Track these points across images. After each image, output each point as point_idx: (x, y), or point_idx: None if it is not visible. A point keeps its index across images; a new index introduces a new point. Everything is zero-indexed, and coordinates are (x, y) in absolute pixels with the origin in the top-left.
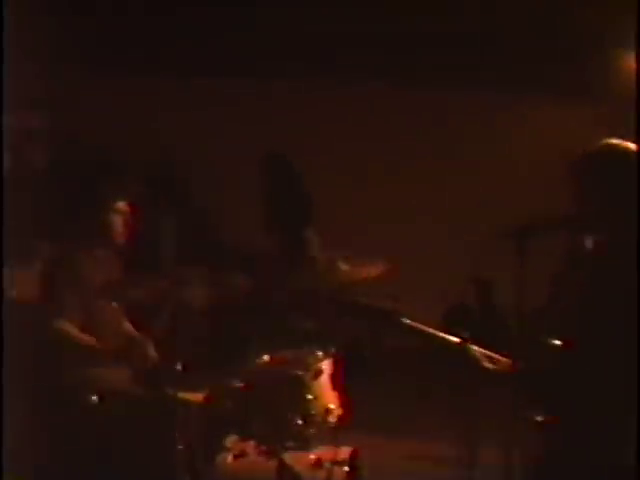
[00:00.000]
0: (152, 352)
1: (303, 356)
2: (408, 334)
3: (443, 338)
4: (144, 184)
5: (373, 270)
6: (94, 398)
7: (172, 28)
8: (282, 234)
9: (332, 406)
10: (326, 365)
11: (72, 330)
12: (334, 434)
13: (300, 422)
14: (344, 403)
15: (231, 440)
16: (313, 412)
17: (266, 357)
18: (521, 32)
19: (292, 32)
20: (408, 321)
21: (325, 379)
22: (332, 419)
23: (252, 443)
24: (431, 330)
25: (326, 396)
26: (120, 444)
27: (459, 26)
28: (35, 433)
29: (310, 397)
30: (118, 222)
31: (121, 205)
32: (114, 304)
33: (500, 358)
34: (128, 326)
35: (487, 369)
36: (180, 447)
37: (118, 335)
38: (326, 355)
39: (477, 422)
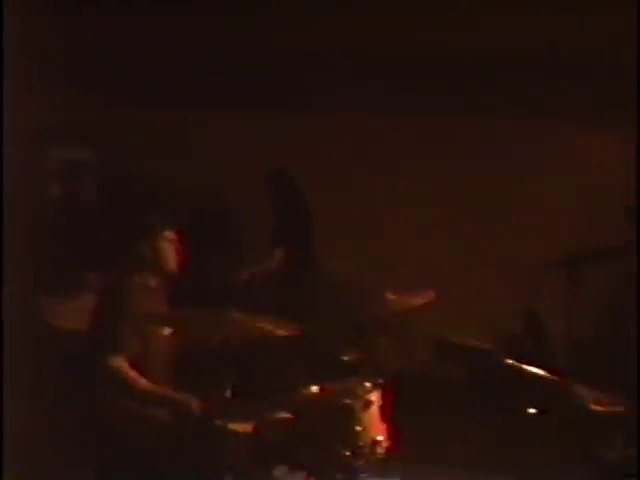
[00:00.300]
0: (196, 407)
1: (352, 387)
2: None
3: (543, 376)
4: (192, 215)
5: (421, 299)
6: (142, 428)
7: (213, 59)
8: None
9: (380, 438)
10: (375, 396)
11: (123, 366)
12: (382, 466)
13: (348, 453)
14: (393, 435)
15: (280, 471)
16: (361, 444)
17: (315, 388)
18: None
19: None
20: (511, 361)
21: (374, 410)
22: (380, 451)
23: (301, 474)
24: (533, 369)
25: (375, 427)
26: (168, 473)
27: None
28: (83, 462)
29: (359, 428)
30: (168, 250)
31: (169, 234)
32: (166, 333)
33: (608, 400)
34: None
35: (594, 411)
36: (229, 477)
37: (168, 367)
38: (375, 386)
39: (528, 456)
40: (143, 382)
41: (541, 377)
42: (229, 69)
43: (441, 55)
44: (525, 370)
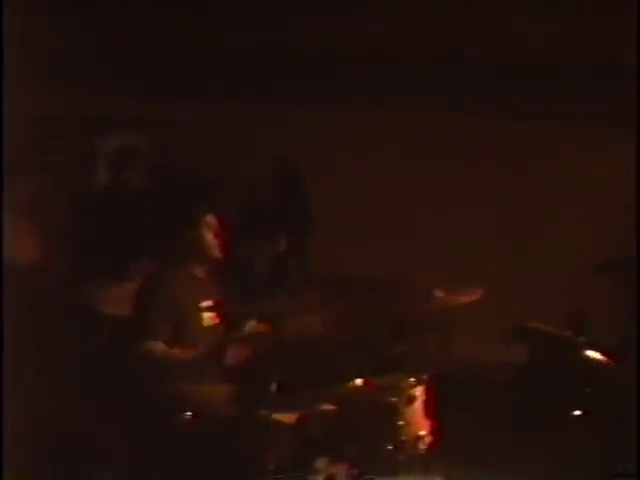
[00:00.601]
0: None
1: (396, 382)
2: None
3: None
4: (242, 204)
5: (468, 297)
6: (188, 414)
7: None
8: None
9: (423, 433)
10: (419, 391)
11: (158, 345)
12: (424, 461)
13: (390, 448)
14: (435, 430)
15: (322, 462)
16: (404, 438)
17: (359, 381)
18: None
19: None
20: (591, 352)
21: (418, 406)
22: (422, 446)
23: (343, 466)
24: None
25: (418, 423)
26: (210, 462)
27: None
28: (126, 448)
29: (402, 423)
30: (210, 236)
31: (210, 219)
32: (210, 324)
33: None
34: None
35: None
36: (271, 467)
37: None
38: (419, 381)
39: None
40: (177, 350)
41: None
42: (271, 63)
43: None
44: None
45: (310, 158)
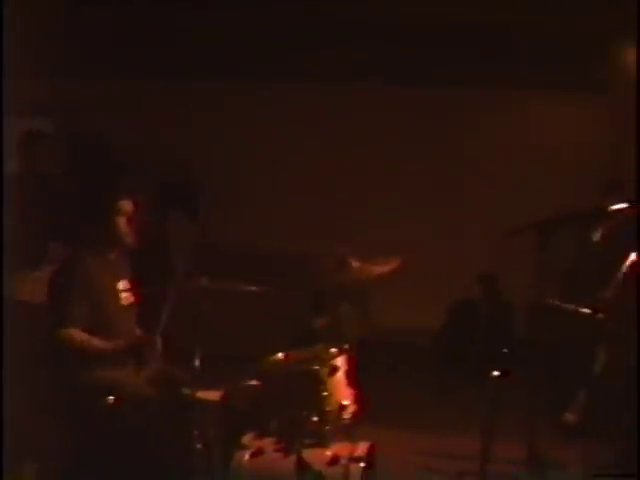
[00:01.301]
0: (159, 350)
1: (317, 353)
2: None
3: None
4: (154, 186)
5: (385, 267)
6: (110, 398)
7: (182, 29)
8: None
9: (347, 402)
10: (341, 361)
11: (78, 334)
12: (349, 430)
13: (315, 419)
14: (359, 399)
15: (248, 438)
16: (328, 408)
17: (280, 355)
18: (532, 27)
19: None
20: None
21: (340, 375)
22: (347, 415)
23: (269, 440)
24: None
25: (341, 392)
26: (137, 445)
27: (468, 21)
28: (50, 436)
29: (325, 394)
30: (124, 223)
31: (125, 204)
32: (126, 304)
33: None
34: (138, 330)
35: None
36: (198, 446)
37: (129, 336)
38: (341, 351)
39: (493, 417)
40: (98, 340)
41: None
42: (198, 38)
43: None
44: None
45: (219, 132)
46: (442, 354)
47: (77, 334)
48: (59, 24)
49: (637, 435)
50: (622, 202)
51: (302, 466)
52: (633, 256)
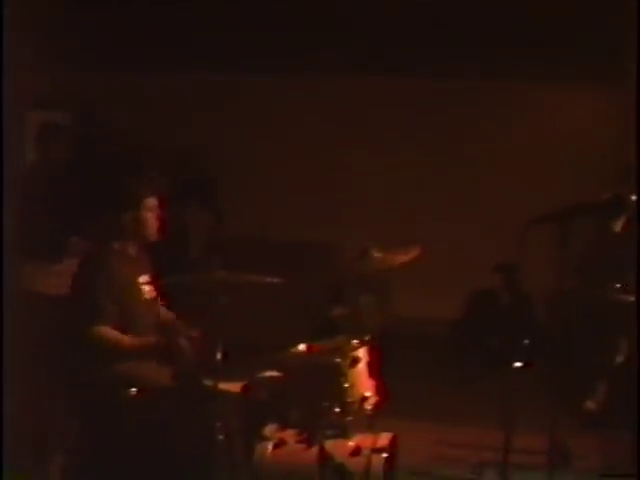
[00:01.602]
0: (187, 345)
1: (339, 344)
2: None
3: None
4: (174, 180)
5: (406, 256)
6: (132, 390)
7: (204, 21)
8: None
9: (368, 394)
10: (362, 353)
11: (109, 332)
12: (371, 421)
13: (337, 410)
14: (381, 390)
15: (270, 429)
16: (350, 400)
17: (302, 346)
18: (530, 18)
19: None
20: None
21: (362, 367)
22: (368, 406)
23: (291, 432)
24: None
25: (363, 384)
26: (160, 436)
27: (467, 12)
28: (74, 428)
29: (347, 385)
30: (150, 219)
31: (151, 201)
32: (149, 298)
33: None
34: (165, 314)
35: None
36: (220, 437)
37: (154, 330)
38: (362, 343)
39: (514, 407)
40: (128, 338)
41: None
42: (210, 33)
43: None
44: None
45: (235, 126)
46: (462, 344)
47: (108, 332)
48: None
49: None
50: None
51: (324, 457)
52: None
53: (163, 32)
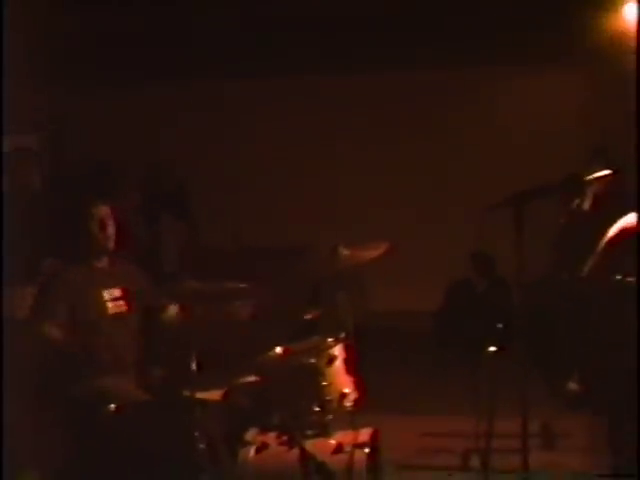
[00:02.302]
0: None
1: (315, 344)
2: None
3: None
4: (146, 194)
5: (375, 252)
6: (111, 407)
7: (161, 31)
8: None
9: (347, 390)
10: (338, 350)
11: (55, 331)
12: (352, 418)
13: (317, 409)
14: (359, 386)
15: (252, 434)
16: (329, 398)
17: (278, 349)
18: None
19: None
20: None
21: (338, 364)
22: (348, 403)
23: (272, 434)
24: None
25: (341, 381)
26: (141, 450)
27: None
28: (54, 445)
29: (325, 383)
30: (95, 227)
31: (98, 209)
32: (112, 314)
33: None
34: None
35: None
36: (202, 446)
37: (129, 346)
38: (337, 340)
39: (494, 392)
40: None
41: None
42: (165, 41)
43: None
44: None
45: (204, 137)
46: (441, 334)
47: (52, 329)
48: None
49: (637, 435)
50: (606, 169)
51: (306, 458)
52: (621, 222)
53: (129, 47)
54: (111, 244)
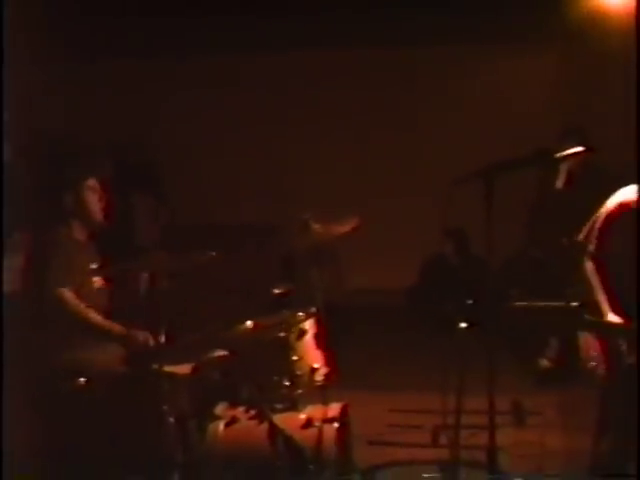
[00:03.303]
0: (144, 339)
1: (285, 318)
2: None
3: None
4: (117, 168)
5: (346, 227)
6: (81, 380)
7: (130, 3)
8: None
9: (317, 365)
10: (309, 325)
11: (72, 299)
12: (322, 393)
13: (287, 383)
14: (329, 361)
15: (221, 408)
16: (299, 372)
17: (249, 323)
18: None
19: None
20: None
21: (309, 339)
22: (318, 378)
23: (242, 409)
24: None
25: (311, 356)
26: (110, 424)
27: None
28: (25, 417)
29: (295, 358)
30: (93, 200)
31: (92, 182)
32: (97, 288)
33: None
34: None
35: None
36: (171, 420)
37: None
38: (308, 315)
39: (462, 370)
40: (96, 315)
41: None
42: (137, 14)
43: None
44: None
45: (175, 112)
46: (412, 311)
47: (69, 296)
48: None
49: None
50: (578, 146)
51: (274, 432)
52: (619, 196)
53: (99, 20)
54: (101, 217)
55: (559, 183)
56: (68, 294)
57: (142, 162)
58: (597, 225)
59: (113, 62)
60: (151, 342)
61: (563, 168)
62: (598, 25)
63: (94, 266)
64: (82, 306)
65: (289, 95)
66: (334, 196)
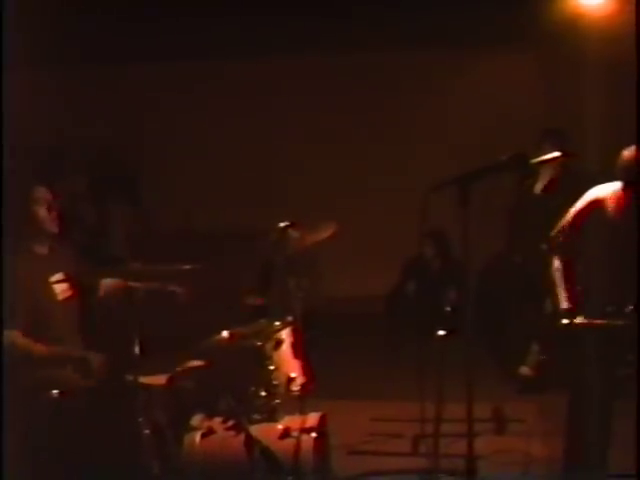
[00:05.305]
0: (98, 362)
1: (262, 328)
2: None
3: None
4: (93, 178)
5: (324, 233)
6: (54, 392)
7: (110, 11)
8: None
9: (294, 375)
10: (286, 335)
11: (19, 338)
12: (299, 402)
13: (264, 393)
14: (306, 371)
15: (198, 419)
16: (276, 382)
17: (225, 333)
18: None
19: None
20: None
21: (286, 348)
22: (295, 387)
23: (218, 419)
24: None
25: (288, 365)
26: (86, 436)
27: None
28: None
29: (272, 368)
30: (42, 211)
31: (41, 192)
32: (61, 299)
33: None
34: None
35: None
36: (147, 432)
37: (71, 332)
38: (285, 324)
39: (440, 378)
40: (39, 346)
41: None
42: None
43: None
44: None
45: (151, 121)
46: (392, 318)
47: (19, 338)
48: None
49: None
50: (558, 151)
51: (251, 443)
52: (590, 193)
53: (77, 27)
54: (54, 228)
55: (538, 188)
56: (14, 334)
57: (120, 173)
58: (567, 222)
59: (84, 67)
60: (100, 365)
61: (544, 173)
62: (577, 28)
63: (57, 278)
64: (30, 342)
65: (270, 101)
66: (312, 203)
